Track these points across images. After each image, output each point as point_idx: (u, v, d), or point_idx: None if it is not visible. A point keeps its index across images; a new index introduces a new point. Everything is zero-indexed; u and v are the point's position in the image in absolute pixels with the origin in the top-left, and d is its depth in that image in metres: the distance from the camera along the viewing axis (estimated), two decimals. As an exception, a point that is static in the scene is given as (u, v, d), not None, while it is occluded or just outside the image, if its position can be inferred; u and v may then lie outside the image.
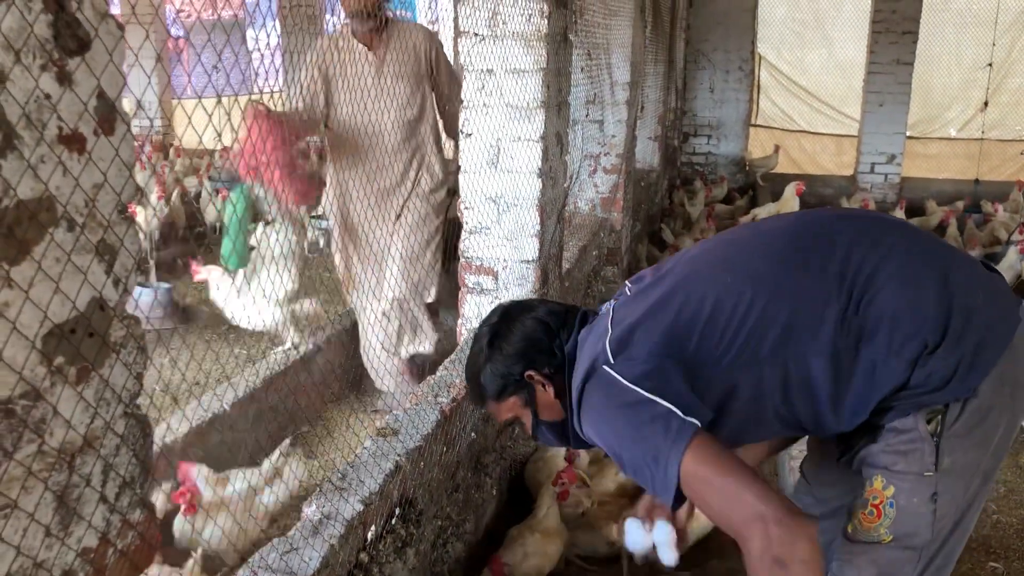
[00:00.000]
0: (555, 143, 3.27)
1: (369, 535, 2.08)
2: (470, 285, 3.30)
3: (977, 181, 9.54)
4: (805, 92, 11.37)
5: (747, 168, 10.53)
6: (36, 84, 0.91)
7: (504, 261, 3.23)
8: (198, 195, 7.59)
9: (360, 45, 3.81)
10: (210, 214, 6.93)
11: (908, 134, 9.90)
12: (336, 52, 3.80)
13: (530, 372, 1.85)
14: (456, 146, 3.55)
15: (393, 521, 2.21)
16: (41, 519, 0.97)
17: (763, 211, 7.35)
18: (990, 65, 9.68)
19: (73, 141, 0.97)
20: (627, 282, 1.92)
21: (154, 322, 4.94)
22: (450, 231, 4.12)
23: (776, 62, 11.27)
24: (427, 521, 2.36)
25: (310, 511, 1.99)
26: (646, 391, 1.59)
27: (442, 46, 4.04)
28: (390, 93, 3.80)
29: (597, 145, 5.53)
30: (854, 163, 10.05)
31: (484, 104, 3.09)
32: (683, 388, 1.62)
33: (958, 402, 1.66)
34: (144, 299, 4.96)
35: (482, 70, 3.05)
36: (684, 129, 10.75)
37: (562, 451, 3.00)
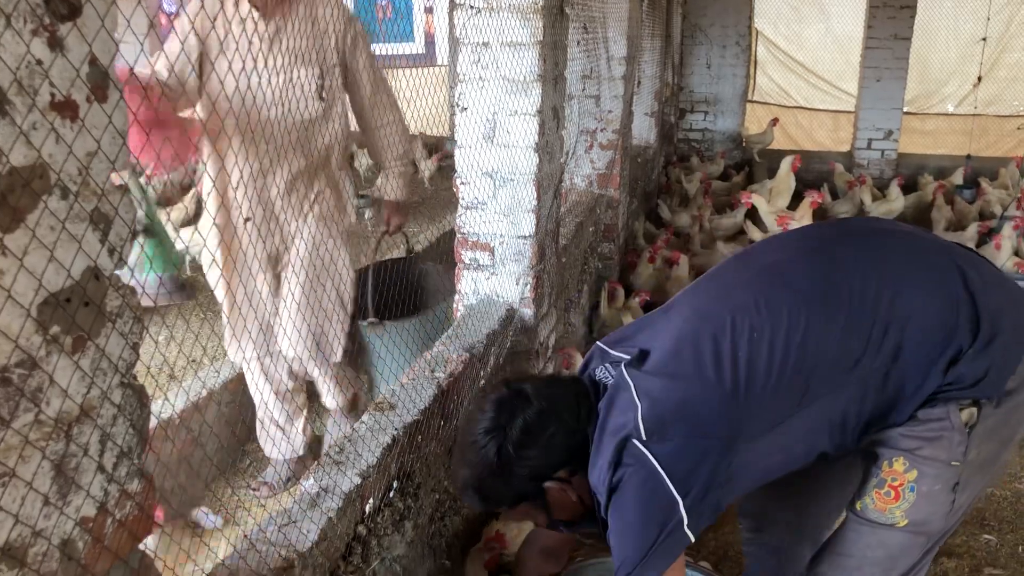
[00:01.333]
0: (552, 117, 3.26)
1: (367, 508, 2.08)
2: (466, 261, 3.29)
3: (969, 157, 9.52)
4: (802, 67, 11.33)
5: (743, 144, 10.51)
6: (27, 49, 0.90)
7: (500, 236, 3.22)
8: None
9: (250, 7, 2.87)
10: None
11: (905, 110, 9.88)
12: (221, 10, 2.86)
13: (550, 484, 1.70)
14: (390, 174, 3.13)
15: (391, 494, 2.22)
16: (39, 488, 0.97)
17: (760, 188, 7.32)
18: (984, 40, 9.63)
19: (66, 108, 0.96)
20: (613, 349, 1.77)
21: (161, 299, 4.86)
22: (384, 275, 3.40)
23: (773, 37, 11.21)
24: (425, 495, 2.37)
25: (307, 484, 2.00)
26: (675, 487, 1.51)
27: (366, 37, 3.16)
28: (283, 78, 2.87)
29: (593, 120, 5.51)
30: (851, 139, 10.03)
31: (480, 78, 3.07)
32: (705, 480, 1.54)
33: (991, 400, 1.65)
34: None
35: (478, 43, 3.02)
36: (681, 105, 10.71)
37: None
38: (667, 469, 1.51)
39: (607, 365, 1.74)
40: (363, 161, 8.23)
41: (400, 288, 3.54)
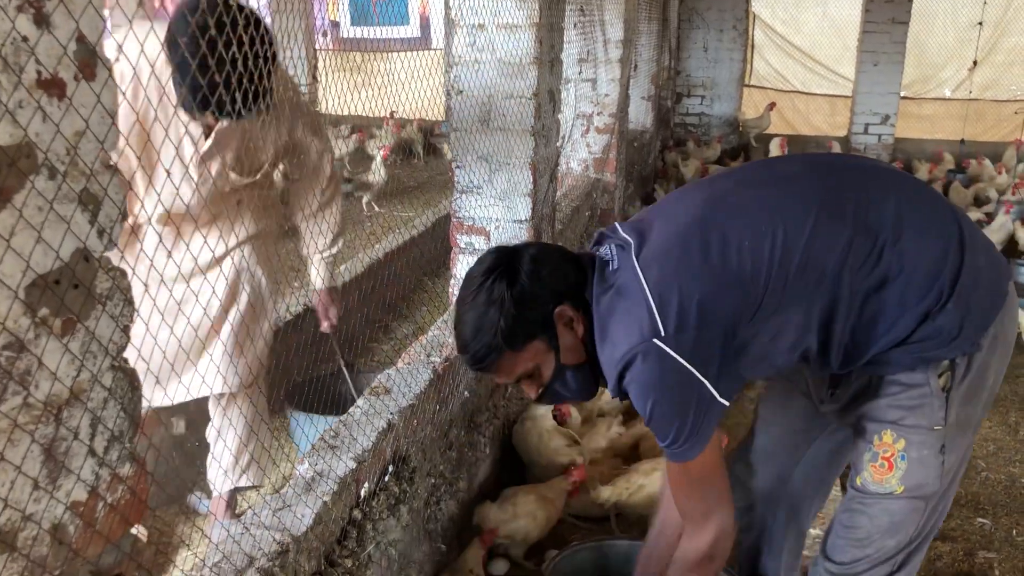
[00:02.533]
0: (548, 100, 3.23)
1: (362, 492, 2.08)
2: (462, 245, 3.28)
3: (963, 142, 9.50)
4: (799, 51, 11.28)
5: (740, 129, 10.47)
6: (12, 26, 0.88)
7: (496, 221, 3.21)
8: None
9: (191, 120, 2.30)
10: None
11: (902, 94, 9.85)
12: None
13: (563, 307, 1.69)
14: (320, 265, 2.74)
15: (386, 478, 2.21)
16: (28, 472, 0.96)
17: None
18: (980, 24, 9.59)
19: (53, 86, 0.94)
20: (621, 228, 1.81)
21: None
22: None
23: (770, 21, 11.16)
24: (420, 479, 2.36)
25: (302, 469, 1.99)
26: (697, 370, 1.58)
27: (316, 118, 2.72)
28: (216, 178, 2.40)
29: (590, 104, 5.48)
30: (848, 124, 10.00)
31: (475, 60, 3.05)
32: (725, 361, 1.62)
33: (964, 357, 1.72)
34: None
35: (473, 25, 3.00)
36: (677, 89, 10.66)
37: (550, 411, 3.00)
38: (688, 358, 1.57)
39: (613, 244, 1.76)
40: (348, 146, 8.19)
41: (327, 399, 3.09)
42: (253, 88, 1.96)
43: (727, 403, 1.63)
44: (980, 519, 3.20)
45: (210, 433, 2.72)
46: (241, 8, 1.89)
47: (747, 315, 1.63)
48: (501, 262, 1.71)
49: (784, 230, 1.63)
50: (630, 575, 2.12)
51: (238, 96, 1.93)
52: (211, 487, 2.76)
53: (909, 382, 1.73)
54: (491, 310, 1.66)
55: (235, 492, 2.80)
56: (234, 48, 1.83)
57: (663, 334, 1.56)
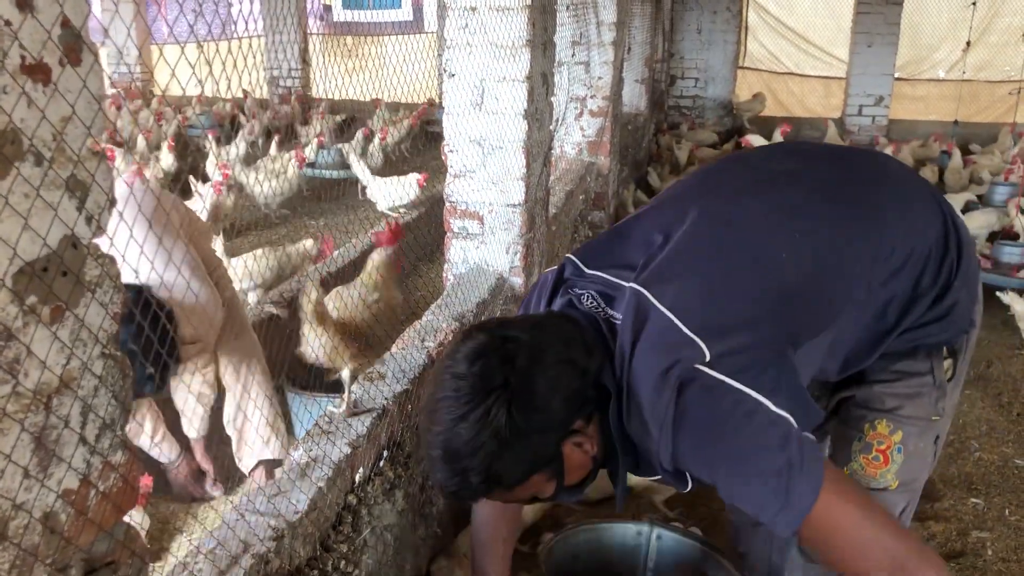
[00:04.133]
0: (541, 83, 3.22)
1: (357, 477, 2.08)
2: (455, 230, 3.27)
3: (956, 123, 9.49)
4: (793, 33, 11.24)
5: (734, 112, 10.45)
6: (-5, 10, 0.87)
7: (490, 205, 3.20)
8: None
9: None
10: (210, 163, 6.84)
11: (896, 75, 9.83)
12: None
13: (573, 437, 1.36)
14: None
15: (381, 464, 2.21)
16: (19, 460, 0.95)
17: (757, 142, 7.29)
18: (974, 4, 9.56)
19: (37, 71, 0.93)
20: (589, 261, 1.54)
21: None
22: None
23: (764, 2, 11.12)
24: (415, 464, 2.36)
25: (297, 455, 1.99)
26: (764, 396, 1.26)
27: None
28: None
29: (583, 87, 5.46)
30: (842, 105, 9.99)
31: (467, 43, 3.03)
32: (798, 382, 1.35)
33: (963, 337, 1.63)
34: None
35: (465, 8, 2.98)
36: (671, 72, 10.63)
37: None
38: (753, 386, 1.26)
39: (592, 291, 1.47)
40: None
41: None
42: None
43: (813, 437, 1.30)
44: (973, 499, 3.21)
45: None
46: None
47: (795, 330, 1.40)
48: (493, 368, 1.30)
49: (808, 239, 1.45)
50: (626, 558, 2.13)
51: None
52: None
53: (908, 370, 1.61)
54: (482, 438, 1.28)
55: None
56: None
57: (708, 356, 1.27)
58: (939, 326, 1.56)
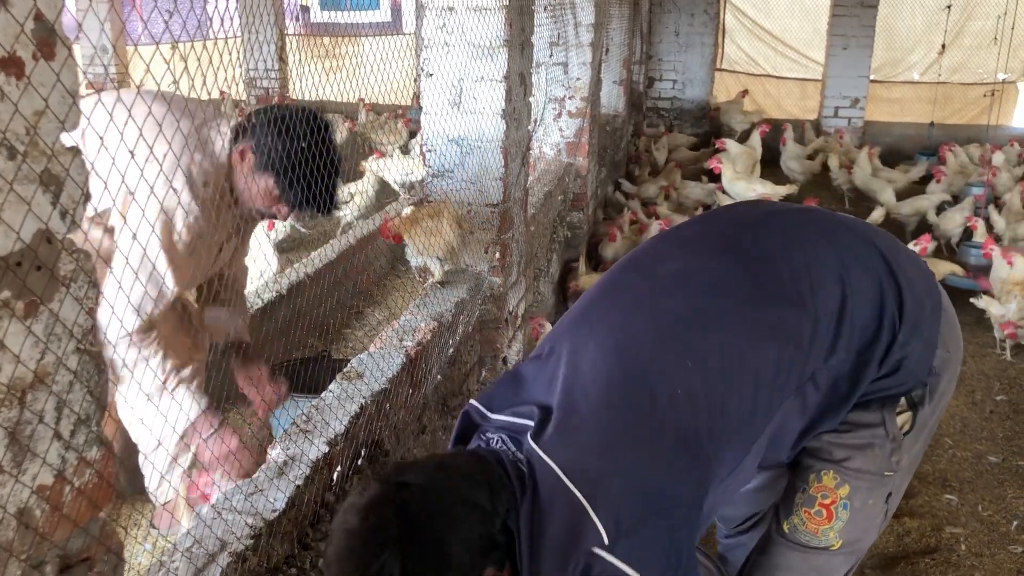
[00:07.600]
0: (519, 83, 3.23)
1: (335, 476, 2.08)
2: (434, 229, 3.27)
3: (932, 124, 9.59)
4: (770, 35, 11.32)
5: (715, 110, 10.45)
6: (-33, 3, 0.87)
7: (468, 205, 3.20)
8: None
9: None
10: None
11: (872, 78, 9.93)
12: None
13: None
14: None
15: (359, 462, 2.21)
16: (-8, 456, 0.95)
17: (733, 147, 7.29)
18: (949, 7, 9.69)
19: (10, 65, 0.93)
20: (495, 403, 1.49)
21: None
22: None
23: (741, 4, 11.19)
24: (394, 461, 2.36)
25: (275, 453, 1.99)
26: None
27: None
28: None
29: (562, 88, 5.48)
30: (818, 107, 10.07)
31: (445, 43, 3.03)
32: (690, 547, 1.33)
33: (923, 387, 1.53)
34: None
35: (443, 7, 2.98)
36: (649, 74, 10.68)
37: None
38: (644, 571, 1.25)
39: (502, 435, 1.44)
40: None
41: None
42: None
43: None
44: (947, 495, 3.25)
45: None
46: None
47: (710, 477, 1.35)
48: (387, 520, 1.24)
49: (706, 355, 1.37)
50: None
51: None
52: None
53: (859, 420, 1.50)
54: None
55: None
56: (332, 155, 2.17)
57: (606, 543, 1.24)
58: (893, 379, 1.49)
